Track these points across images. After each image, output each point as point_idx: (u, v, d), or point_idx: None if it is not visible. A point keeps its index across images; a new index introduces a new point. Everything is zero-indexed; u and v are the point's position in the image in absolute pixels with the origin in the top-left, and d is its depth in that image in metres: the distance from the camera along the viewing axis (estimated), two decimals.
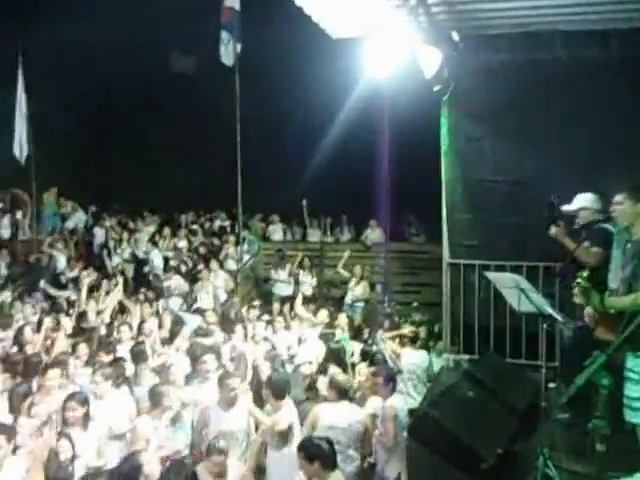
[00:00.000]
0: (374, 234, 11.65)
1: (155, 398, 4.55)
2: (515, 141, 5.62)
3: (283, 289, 10.26)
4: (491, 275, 4.63)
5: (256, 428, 4.66)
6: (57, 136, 13.00)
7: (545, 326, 4.01)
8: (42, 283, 9.44)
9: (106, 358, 5.72)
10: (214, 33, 10.13)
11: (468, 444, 3.77)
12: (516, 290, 3.86)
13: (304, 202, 12.11)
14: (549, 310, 3.88)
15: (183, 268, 10.13)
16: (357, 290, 9.67)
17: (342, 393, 4.49)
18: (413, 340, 6.51)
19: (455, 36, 4.66)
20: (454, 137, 5.49)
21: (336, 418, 4.34)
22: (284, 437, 4.32)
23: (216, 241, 11.84)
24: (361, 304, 9.56)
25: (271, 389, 4.47)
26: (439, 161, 5.95)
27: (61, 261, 10.46)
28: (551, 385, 4.54)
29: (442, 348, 6.58)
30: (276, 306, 9.70)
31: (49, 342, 6.12)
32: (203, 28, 11.16)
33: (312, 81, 11.76)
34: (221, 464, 3.91)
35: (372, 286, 10.18)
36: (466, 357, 6.00)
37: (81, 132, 14.32)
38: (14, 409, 4.50)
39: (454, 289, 6.00)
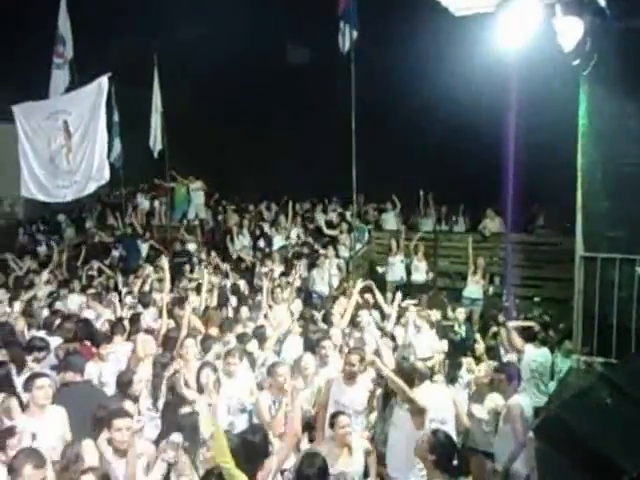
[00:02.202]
0: (493, 224, 11.09)
1: (273, 377, 4.72)
2: None
3: (395, 273, 10.13)
4: None
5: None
6: (186, 131, 14.00)
7: None
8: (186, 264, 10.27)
9: (230, 336, 6.06)
10: (330, 23, 10.20)
11: (606, 454, 3.43)
12: None
13: (421, 192, 11.88)
14: None
15: (302, 254, 10.40)
16: (478, 283, 9.28)
17: (422, 377, 4.61)
18: (534, 336, 6.14)
19: (601, 1, 4.17)
20: (595, 116, 4.94)
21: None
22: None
23: (330, 229, 11.99)
24: (481, 297, 9.17)
25: (401, 377, 4.46)
26: (573, 144, 5.43)
27: (192, 246, 11.35)
28: None
29: (571, 348, 6.08)
30: (389, 295, 9.61)
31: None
32: (319, 18, 11.29)
33: (432, 65, 11.40)
34: (344, 436, 4.04)
35: (490, 279, 9.72)
36: (600, 359, 5.47)
37: (206, 127, 15.30)
38: (157, 375, 4.96)
39: (588, 285, 5.45)
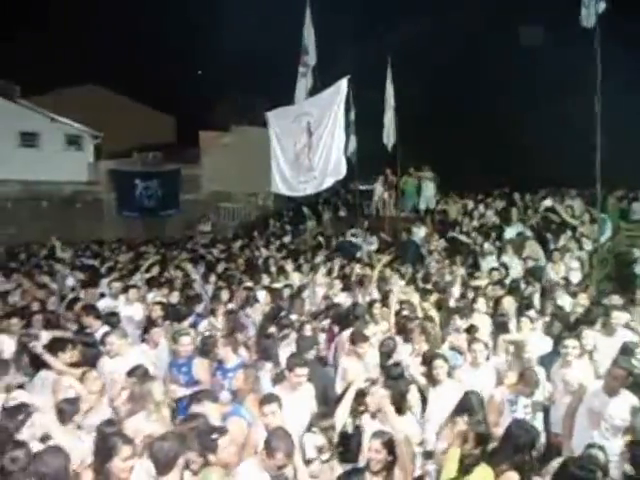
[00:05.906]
0: None
1: (526, 378, 4.61)
2: None
3: None
4: None
5: None
6: (417, 126, 14.48)
7: None
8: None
9: (460, 322, 6.24)
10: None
11: None
12: None
13: None
14: None
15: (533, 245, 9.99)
16: None
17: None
18: None
19: None
20: None
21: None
22: None
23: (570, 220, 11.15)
24: None
25: None
26: None
27: (420, 236, 11.82)
28: None
29: None
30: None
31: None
32: None
33: None
34: None
35: None
36: None
37: (436, 121, 15.57)
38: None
39: None
